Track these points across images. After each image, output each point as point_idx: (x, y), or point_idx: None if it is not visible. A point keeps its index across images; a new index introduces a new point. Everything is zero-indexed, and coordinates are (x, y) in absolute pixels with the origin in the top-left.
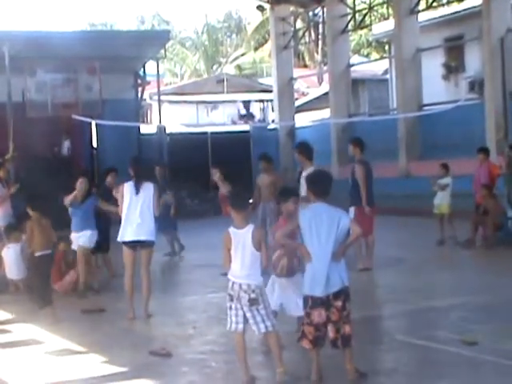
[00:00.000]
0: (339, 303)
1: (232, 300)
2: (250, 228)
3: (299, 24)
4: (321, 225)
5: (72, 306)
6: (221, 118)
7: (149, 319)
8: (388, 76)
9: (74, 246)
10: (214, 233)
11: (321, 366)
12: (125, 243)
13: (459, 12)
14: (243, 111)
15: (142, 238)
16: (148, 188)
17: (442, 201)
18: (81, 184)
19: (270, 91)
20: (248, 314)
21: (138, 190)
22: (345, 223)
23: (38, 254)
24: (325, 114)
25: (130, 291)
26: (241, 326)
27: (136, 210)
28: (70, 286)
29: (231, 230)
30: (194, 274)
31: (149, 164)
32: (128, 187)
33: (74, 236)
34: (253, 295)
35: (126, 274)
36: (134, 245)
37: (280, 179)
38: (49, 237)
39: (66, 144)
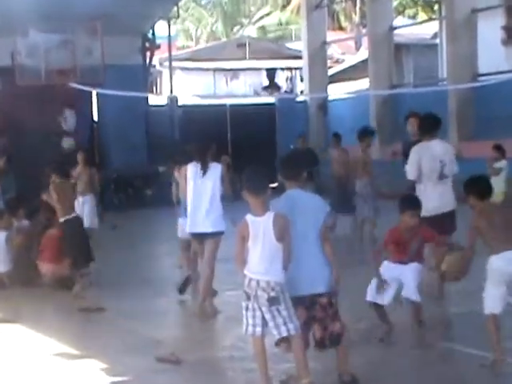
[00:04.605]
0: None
1: (249, 299)
2: (270, 215)
3: None
4: (303, 215)
5: (67, 304)
6: (242, 89)
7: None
8: (437, 41)
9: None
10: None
11: None
12: (193, 234)
13: None
14: (266, 82)
15: (211, 229)
16: (215, 169)
17: (495, 188)
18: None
19: (300, 58)
20: (267, 316)
21: (204, 172)
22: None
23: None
24: (363, 84)
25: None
26: (259, 330)
27: (204, 196)
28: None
29: (248, 217)
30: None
31: (212, 142)
32: (192, 169)
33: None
34: (272, 293)
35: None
36: (202, 237)
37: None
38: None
39: (67, 116)
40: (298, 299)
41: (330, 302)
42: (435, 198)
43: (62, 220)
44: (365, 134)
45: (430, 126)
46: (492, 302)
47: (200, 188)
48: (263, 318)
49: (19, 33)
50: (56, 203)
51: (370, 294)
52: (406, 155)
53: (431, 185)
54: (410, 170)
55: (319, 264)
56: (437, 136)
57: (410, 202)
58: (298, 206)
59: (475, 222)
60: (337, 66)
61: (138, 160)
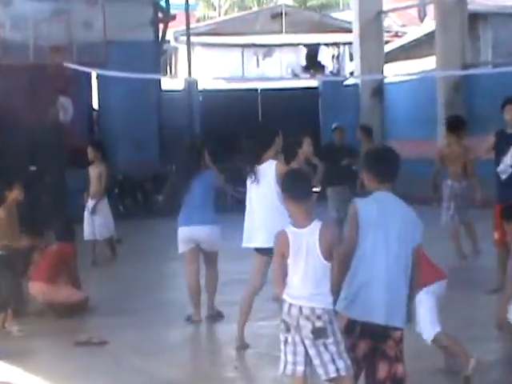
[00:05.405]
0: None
1: (288, 330)
2: (316, 226)
3: None
4: (390, 227)
5: (63, 336)
6: (276, 69)
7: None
8: None
9: (185, 247)
10: None
11: None
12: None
13: None
14: (306, 62)
15: (259, 244)
16: (267, 169)
17: None
18: None
19: (349, 31)
20: (311, 351)
21: (256, 175)
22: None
23: None
24: (428, 63)
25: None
26: (301, 368)
27: (258, 204)
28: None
29: (289, 229)
30: (236, 292)
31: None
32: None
33: (189, 232)
34: (318, 323)
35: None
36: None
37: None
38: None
39: (66, 105)
40: (367, 326)
41: (402, 339)
42: None
43: None
44: (457, 125)
45: None
46: None
47: (252, 194)
48: (306, 353)
49: (1, 1)
50: None
51: None
52: (498, 149)
53: None
54: None
55: (402, 291)
56: None
57: None
58: (386, 214)
59: None
60: (396, 40)
61: (148, 158)
